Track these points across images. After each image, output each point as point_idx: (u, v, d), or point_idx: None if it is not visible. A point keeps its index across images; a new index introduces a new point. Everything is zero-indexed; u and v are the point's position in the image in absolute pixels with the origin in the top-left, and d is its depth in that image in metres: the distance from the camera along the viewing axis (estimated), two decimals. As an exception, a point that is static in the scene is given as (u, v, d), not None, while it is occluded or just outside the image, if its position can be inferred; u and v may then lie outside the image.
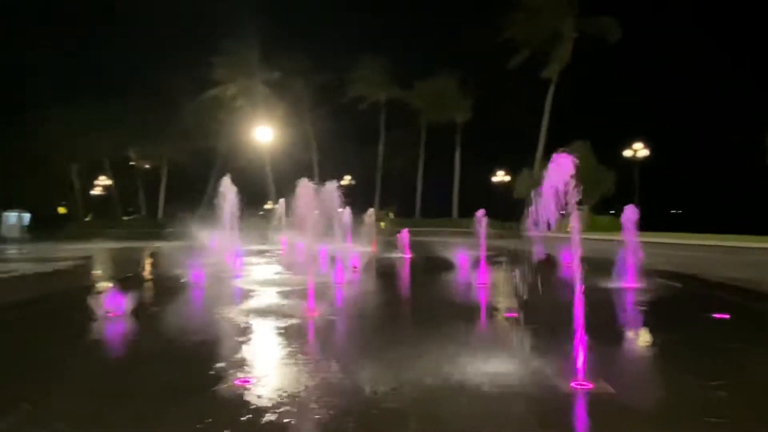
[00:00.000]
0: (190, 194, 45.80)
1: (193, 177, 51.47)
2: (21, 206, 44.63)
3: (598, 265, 10.13)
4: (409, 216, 50.28)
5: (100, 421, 4.31)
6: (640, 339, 7.59)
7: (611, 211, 37.86)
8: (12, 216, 43.71)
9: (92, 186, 57.06)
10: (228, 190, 17.30)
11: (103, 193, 57.68)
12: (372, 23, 53.35)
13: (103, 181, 56.36)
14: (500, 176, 52.15)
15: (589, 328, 5.18)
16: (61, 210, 56.33)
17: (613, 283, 11.24)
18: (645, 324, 8.55)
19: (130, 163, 57.10)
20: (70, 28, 49.61)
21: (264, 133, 47.37)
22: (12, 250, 23.98)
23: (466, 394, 4.91)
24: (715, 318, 8.31)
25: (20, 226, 42.97)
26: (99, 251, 21.57)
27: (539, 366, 5.63)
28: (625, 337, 7.40)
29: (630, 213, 12.17)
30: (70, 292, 10.40)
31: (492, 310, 9.54)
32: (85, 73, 49.99)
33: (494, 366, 5.79)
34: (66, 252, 19.19)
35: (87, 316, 8.20)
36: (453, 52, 48.64)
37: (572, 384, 5.12)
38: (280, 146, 49.34)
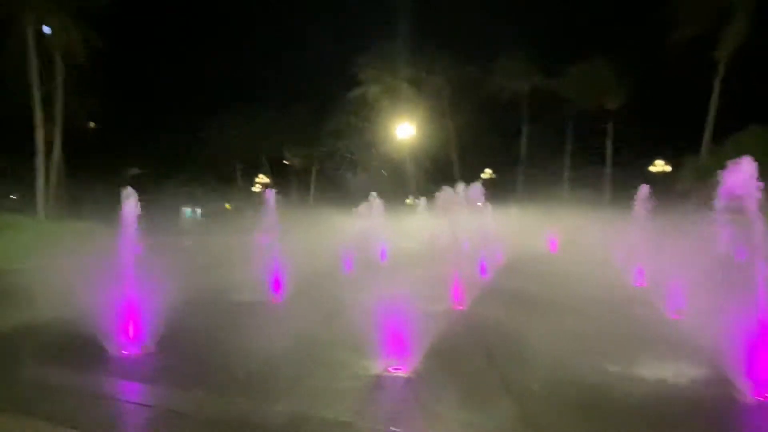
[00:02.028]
0: (338, 189, 48.33)
1: (341, 173, 54.34)
2: (195, 203, 50.61)
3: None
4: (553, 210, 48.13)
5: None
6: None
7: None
8: (188, 211, 49.82)
9: (253, 183, 62.92)
10: (375, 203, 18.55)
11: (261, 190, 63.29)
12: (514, 11, 51.64)
13: (262, 179, 61.90)
14: (659, 166, 47.74)
15: None
16: (227, 206, 62.78)
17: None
18: None
19: (285, 162, 62.05)
20: (235, 44, 55.00)
21: (405, 130, 48.36)
22: (188, 241, 27.20)
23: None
24: None
25: (195, 219, 48.78)
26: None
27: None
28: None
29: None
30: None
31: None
32: (248, 83, 55.23)
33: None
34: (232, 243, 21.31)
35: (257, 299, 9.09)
36: (605, 35, 45.42)
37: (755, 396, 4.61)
38: (421, 142, 50.03)
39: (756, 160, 5.68)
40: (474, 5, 50.92)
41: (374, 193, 18.95)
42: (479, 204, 18.41)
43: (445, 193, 11.83)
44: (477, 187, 16.73)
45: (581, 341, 6.64)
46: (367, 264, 15.13)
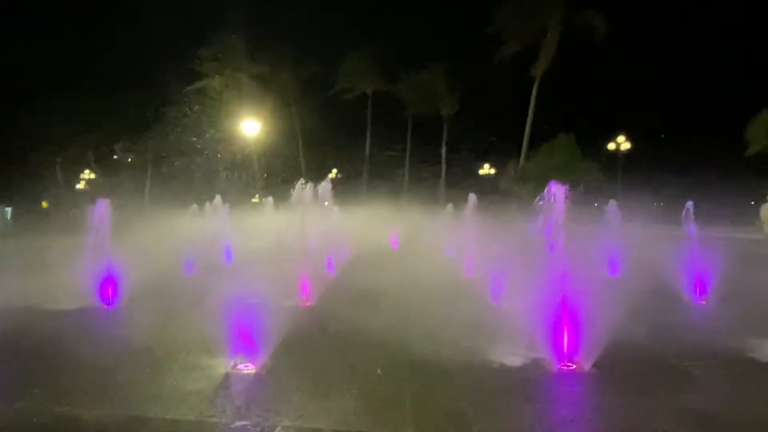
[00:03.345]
0: (178, 188, 45.55)
1: (180, 169, 51.26)
2: (3, 200, 44.14)
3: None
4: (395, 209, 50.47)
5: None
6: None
7: (595, 204, 38.30)
8: (-7, 210, 43.22)
9: (77, 180, 56.61)
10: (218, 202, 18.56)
11: (86, 187, 57.15)
12: (359, 16, 53.20)
13: (87, 175, 55.97)
14: (486, 169, 52.54)
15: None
16: (44, 204, 55.76)
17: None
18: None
19: (114, 156, 56.81)
20: (57, 22, 49.01)
21: (250, 126, 47.12)
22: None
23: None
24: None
25: (3, 219, 42.47)
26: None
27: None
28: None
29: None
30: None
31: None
32: (70, 67, 49.45)
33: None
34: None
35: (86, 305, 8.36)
36: (440, 45, 48.81)
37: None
38: (267, 140, 49.21)
39: (561, 163, 6.77)
40: (319, 4, 51.42)
41: (218, 195, 18.56)
42: (326, 203, 18.76)
43: (293, 192, 11.92)
44: (325, 187, 16.99)
45: (418, 329, 7.19)
46: (211, 265, 14.59)
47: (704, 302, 9.60)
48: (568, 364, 5.53)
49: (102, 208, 9.65)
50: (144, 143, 51.64)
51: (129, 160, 57.80)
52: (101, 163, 54.62)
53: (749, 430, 4.14)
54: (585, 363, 5.52)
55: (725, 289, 9.77)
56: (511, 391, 4.81)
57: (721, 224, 18.35)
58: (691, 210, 10.24)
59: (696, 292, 9.79)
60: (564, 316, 5.77)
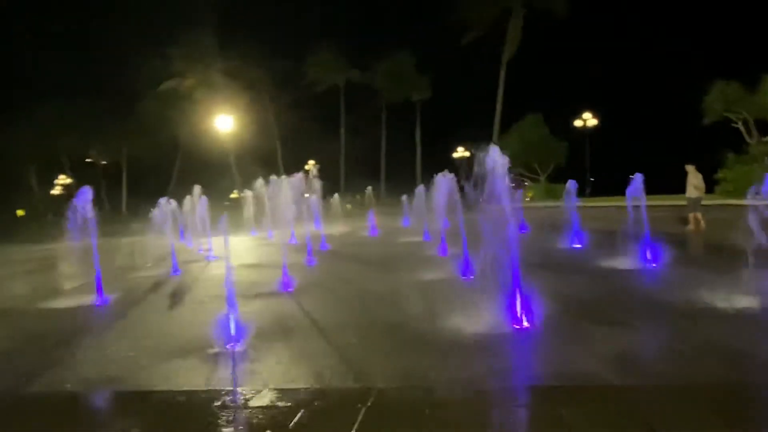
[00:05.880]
0: (154, 186, 45.63)
1: (156, 169, 51.32)
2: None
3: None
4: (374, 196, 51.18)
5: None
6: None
7: (569, 180, 39.37)
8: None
9: (52, 186, 56.22)
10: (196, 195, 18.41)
11: (62, 192, 56.80)
12: (328, 8, 53.28)
13: (63, 180, 55.64)
14: (460, 152, 53.44)
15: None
16: (20, 212, 55.25)
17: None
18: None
19: (88, 160, 56.52)
20: (26, 27, 48.20)
21: (225, 123, 47.29)
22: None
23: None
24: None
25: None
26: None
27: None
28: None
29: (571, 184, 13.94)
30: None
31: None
32: (42, 72, 48.79)
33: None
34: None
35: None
36: (410, 33, 49.42)
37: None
38: (243, 135, 49.43)
39: (530, 141, 7.46)
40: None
41: (197, 186, 19.04)
42: (306, 195, 19.36)
43: (272, 185, 12.55)
44: (300, 178, 17.61)
45: (394, 304, 7.93)
46: (193, 262, 15.22)
47: (655, 265, 10.49)
48: (520, 324, 6.31)
49: (84, 197, 9.52)
50: (118, 145, 51.48)
51: (104, 163, 57.56)
52: (76, 168, 54.41)
53: (658, 365, 4.94)
54: (535, 322, 6.30)
55: (673, 252, 10.69)
56: (467, 348, 5.57)
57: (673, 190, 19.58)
58: (640, 181, 11.10)
59: (648, 258, 10.68)
60: (517, 285, 6.55)
